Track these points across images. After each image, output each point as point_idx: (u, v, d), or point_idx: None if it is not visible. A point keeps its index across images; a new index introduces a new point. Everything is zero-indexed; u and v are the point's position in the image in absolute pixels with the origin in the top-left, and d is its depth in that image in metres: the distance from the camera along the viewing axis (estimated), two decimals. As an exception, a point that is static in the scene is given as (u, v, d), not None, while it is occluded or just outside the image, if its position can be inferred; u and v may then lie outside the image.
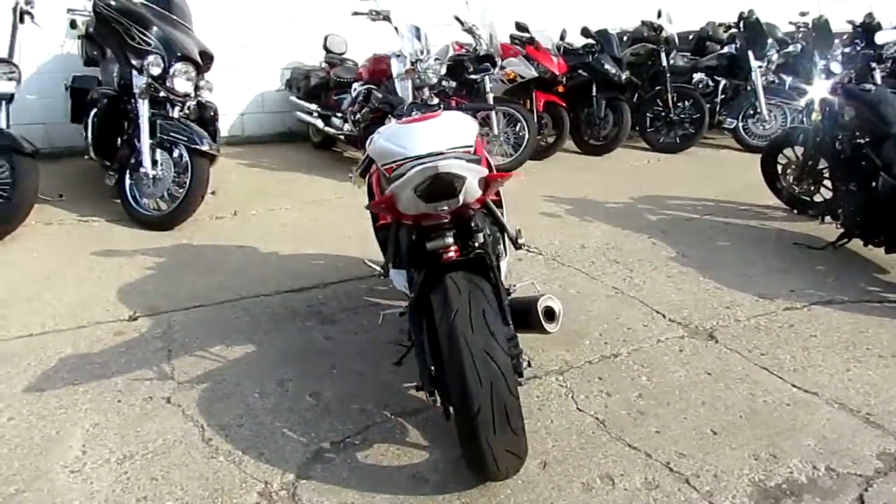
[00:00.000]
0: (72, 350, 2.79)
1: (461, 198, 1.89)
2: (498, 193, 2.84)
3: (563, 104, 6.38)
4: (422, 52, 5.47)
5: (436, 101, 2.94)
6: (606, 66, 6.52)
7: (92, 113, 4.38)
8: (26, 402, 2.42)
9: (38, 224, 4.25)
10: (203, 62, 4.50)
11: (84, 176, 5.12)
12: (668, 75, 6.94)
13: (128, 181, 4.26)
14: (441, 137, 2.41)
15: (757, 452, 2.25)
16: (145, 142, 4.11)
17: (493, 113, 5.78)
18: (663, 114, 7.00)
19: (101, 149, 4.41)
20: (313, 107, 6.24)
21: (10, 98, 4.22)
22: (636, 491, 2.06)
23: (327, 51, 6.61)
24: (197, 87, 4.43)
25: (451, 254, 2.27)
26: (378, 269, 2.30)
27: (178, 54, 4.24)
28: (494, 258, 2.42)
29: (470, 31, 5.91)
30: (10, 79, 4.13)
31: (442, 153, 2.33)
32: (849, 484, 2.11)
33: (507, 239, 2.82)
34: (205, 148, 4.07)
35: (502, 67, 6.29)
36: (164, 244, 4.00)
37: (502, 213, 2.81)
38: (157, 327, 3.00)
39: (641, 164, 6.56)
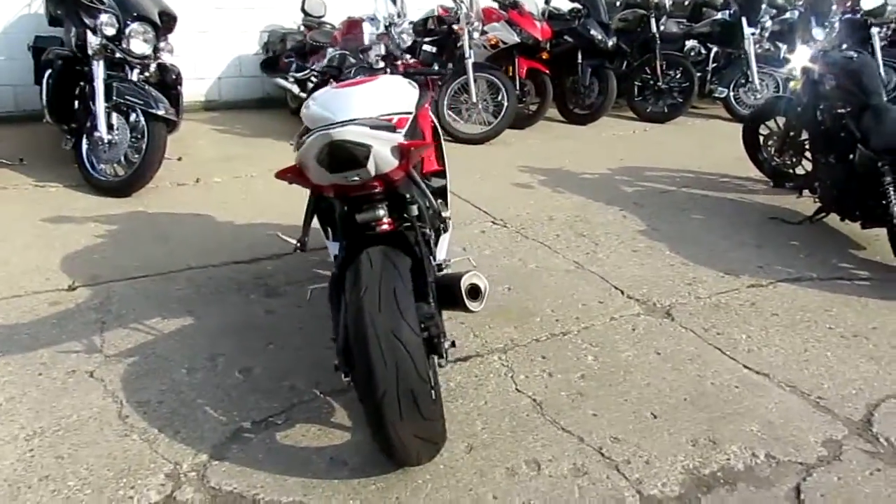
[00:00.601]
0: (2, 320, 2.71)
1: (371, 167, 1.77)
2: (442, 163, 2.72)
3: (547, 71, 6.19)
4: (398, 16, 5.30)
5: (381, 65, 2.79)
6: (593, 32, 6.31)
7: (47, 74, 4.24)
8: (-56, 375, 2.34)
9: (-6, 189, 4.15)
10: (163, 23, 4.33)
11: (49, 140, 4.98)
12: (657, 42, 6.73)
13: (84, 146, 4.13)
14: (373, 103, 2.27)
15: (696, 438, 2.16)
16: (100, 105, 3.98)
17: (472, 79, 5.61)
18: (651, 82, 6.81)
19: (58, 112, 4.27)
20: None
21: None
22: (562, 478, 1.97)
23: (305, 13, 6.43)
24: (156, 49, 4.27)
25: (385, 227, 2.16)
26: (293, 242, 2.20)
27: (135, 14, 4.08)
28: (430, 232, 2.32)
29: (450, -7, 5.71)
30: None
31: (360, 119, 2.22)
32: (787, 472, 2.02)
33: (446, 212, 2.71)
34: (161, 112, 3.94)
35: (484, 32, 6.11)
36: (118, 211, 3.89)
37: (445, 184, 2.70)
38: (95, 298, 2.91)
39: (626, 134, 6.39)
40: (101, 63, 3.99)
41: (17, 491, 1.84)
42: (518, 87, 6.12)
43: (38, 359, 2.46)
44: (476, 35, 5.78)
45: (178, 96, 4.46)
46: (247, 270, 3.23)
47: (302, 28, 6.38)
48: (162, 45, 4.33)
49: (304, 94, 5.86)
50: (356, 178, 1.82)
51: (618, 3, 7.73)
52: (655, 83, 6.77)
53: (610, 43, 6.38)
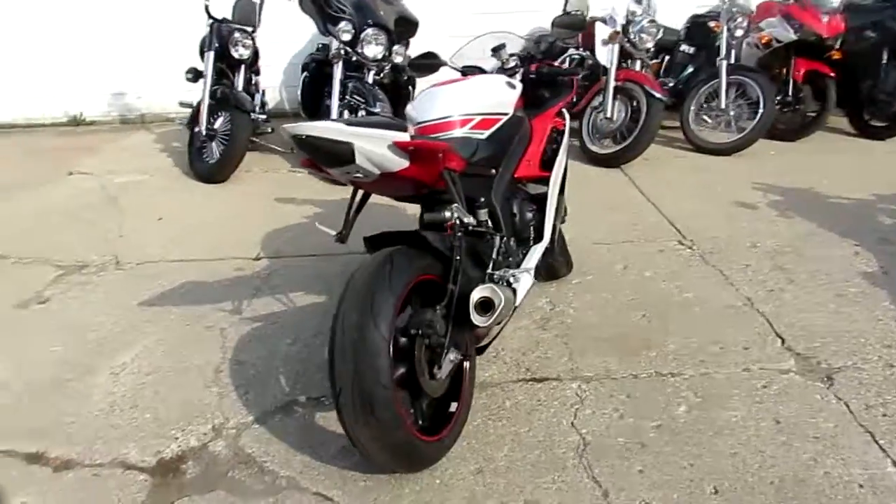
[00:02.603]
0: (195, 277, 3.29)
1: (365, 164, 1.75)
2: (550, 169, 2.54)
3: (832, 74, 5.23)
4: (640, 14, 5.01)
5: (512, 64, 2.70)
6: (903, 26, 5.15)
7: (303, 76, 4.96)
8: (132, 313, 2.95)
9: (259, 171, 5.00)
10: (401, 28, 4.73)
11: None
12: None
13: (324, 138, 4.73)
14: (457, 102, 2.27)
15: (754, 531, 1.72)
16: (335, 102, 4.52)
17: (723, 82, 5.01)
18: None
19: (309, 108, 4.97)
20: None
21: (248, 62, 4.97)
22: (552, 529, 1.75)
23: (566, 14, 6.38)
24: (390, 53, 4.69)
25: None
26: (332, 234, 2.28)
27: (369, 21, 4.53)
28: (501, 239, 2.21)
29: (713, -14, 5.16)
30: (246, 47, 4.86)
31: (446, 117, 2.20)
32: None
33: (549, 224, 2.51)
34: (377, 111, 4.32)
35: (760, 29, 5.43)
36: (334, 197, 4.38)
37: (545, 192, 2.51)
38: (267, 269, 3.37)
39: (934, 153, 5.10)
40: (340, 65, 4.53)
41: (111, 411, 2.27)
42: (791, 93, 5.31)
43: (195, 311, 2.95)
44: (740, 33, 5.15)
45: (408, 96, 4.84)
46: (400, 261, 3.41)
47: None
48: (396, 48, 4.74)
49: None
50: (359, 175, 1.84)
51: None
52: None
53: (927, 39, 5.14)
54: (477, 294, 1.83)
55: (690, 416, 2.17)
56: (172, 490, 1.93)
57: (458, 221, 1.95)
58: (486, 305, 1.83)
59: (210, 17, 4.82)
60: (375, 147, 1.73)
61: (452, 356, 1.89)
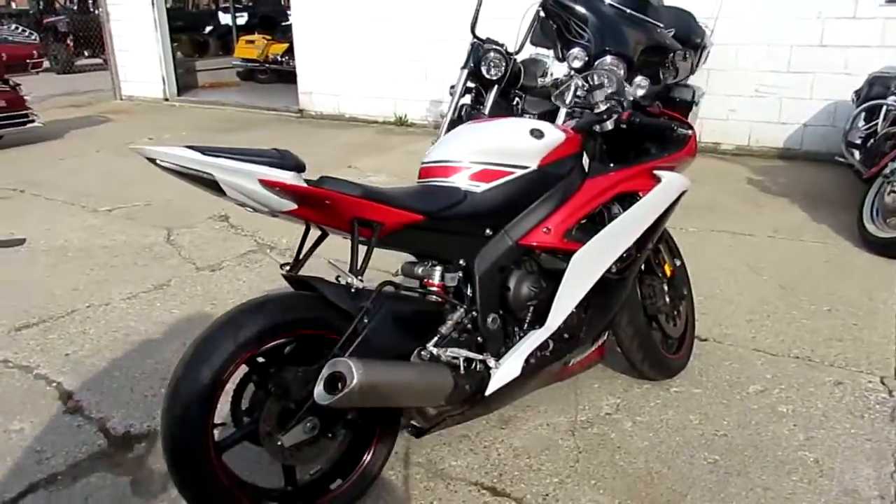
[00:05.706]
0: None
1: (244, 200, 1.59)
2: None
3: None
4: None
5: (602, 107, 2.24)
6: None
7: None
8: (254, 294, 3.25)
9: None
10: (647, 57, 4.23)
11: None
12: None
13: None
14: (469, 146, 2.02)
15: None
16: (556, 130, 4.27)
17: None
18: None
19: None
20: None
21: (502, 82, 4.98)
22: None
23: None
24: (630, 83, 4.23)
25: (433, 287, 1.92)
26: (280, 262, 2.12)
27: (608, 48, 4.13)
28: (460, 311, 1.88)
29: None
30: (497, 67, 4.85)
31: (448, 161, 1.96)
32: None
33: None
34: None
35: None
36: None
37: (562, 268, 1.99)
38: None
39: None
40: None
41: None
42: None
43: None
44: None
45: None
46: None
47: (909, 72, 4.94)
48: (638, 80, 4.25)
49: (846, 151, 4.69)
50: (250, 209, 1.68)
51: None
52: None
53: None
54: (327, 368, 1.57)
55: None
56: (117, 461, 2.12)
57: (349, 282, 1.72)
58: (338, 381, 1.56)
59: (474, 36, 4.95)
60: (242, 181, 1.57)
61: (308, 426, 1.67)
